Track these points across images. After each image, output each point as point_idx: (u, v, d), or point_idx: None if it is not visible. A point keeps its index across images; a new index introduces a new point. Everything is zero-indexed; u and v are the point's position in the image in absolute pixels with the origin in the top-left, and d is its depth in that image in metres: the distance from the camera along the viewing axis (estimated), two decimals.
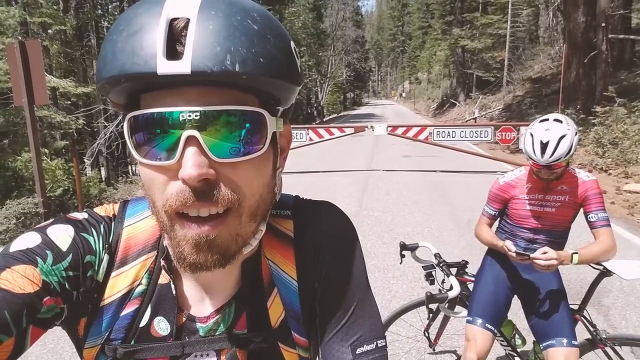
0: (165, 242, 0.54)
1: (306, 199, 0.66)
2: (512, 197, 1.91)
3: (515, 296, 2.00)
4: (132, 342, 0.55)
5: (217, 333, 0.56)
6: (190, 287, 0.57)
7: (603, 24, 10.73)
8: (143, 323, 0.55)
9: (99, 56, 0.46)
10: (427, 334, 2.39)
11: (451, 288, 1.86)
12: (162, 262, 0.55)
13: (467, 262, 2.17)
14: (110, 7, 18.69)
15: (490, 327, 1.87)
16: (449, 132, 9.20)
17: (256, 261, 0.58)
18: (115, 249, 0.55)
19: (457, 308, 2.23)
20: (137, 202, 0.59)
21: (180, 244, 0.46)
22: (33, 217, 5.87)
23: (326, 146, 11.12)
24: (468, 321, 1.94)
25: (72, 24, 13.23)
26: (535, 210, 1.85)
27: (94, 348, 0.54)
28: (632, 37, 12.97)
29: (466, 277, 2.15)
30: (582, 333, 1.88)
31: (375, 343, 0.58)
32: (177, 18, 0.41)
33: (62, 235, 0.51)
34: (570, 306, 1.88)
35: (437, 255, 2.11)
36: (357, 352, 0.57)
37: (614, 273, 1.77)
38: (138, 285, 0.55)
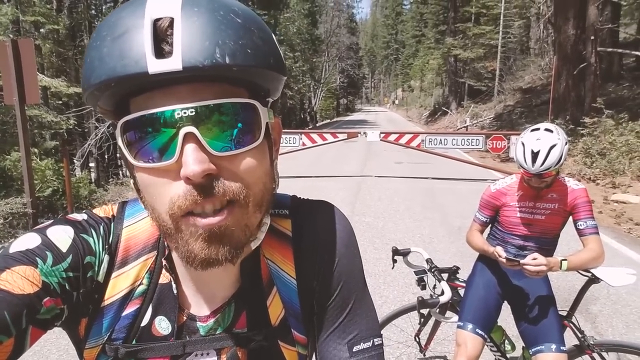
0: (169, 244, 0.53)
1: (303, 198, 0.66)
2: (503, 204, 1.94)
3: (505, 302, 2.02)
4: (134, 342, 0.55)
5: (217, 332, 0.57)
6: (190, 287, 0.57)
7: (592, 37, 10.96)
8: (144, 323, 0.55)
9: (84, 65, 0.45)
10: (417, 339, 2.40)
11: (442, 293, 1.87)
12: (164, 262, 0.55)
13: (458, 268, 2.19)
14: (104, 7, 18.59)
15: (480, 332, 1.89)
16: (441, 140, 9.28)
17: (255, 260, 0.58)
18: (116, 249, 0.55)
19: (448, 313, 2.24)
20: (136, 202, 0.59)
21: (189, 242, 0.46)
22: (21, 217, 5.78)
23: (319, 151, 11.15)
24: (459, 326, 1.95)
25: (65, 24, 13.13)
26: (526, 217, 1.88)
27: (95, 348, 0.54)
28: (619, 50, 13.26)
29: (457, 282, 2.17)
30: (570, 339, 1.91)
31: (371, 341, 0.59)
32: (161, 18, 0.41)
33: (62, 236, 0.51)
34: (559, 312, 1.91)
35: (428, 261, 2.13)
36: (353, 350, 0.57)
37: (602, 280, 1.80)
38: (139, 285, 0.55)
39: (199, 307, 0.57)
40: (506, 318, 2.05)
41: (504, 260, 1.73)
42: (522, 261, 1.68)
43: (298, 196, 0.67)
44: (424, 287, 2.07)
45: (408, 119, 39.46)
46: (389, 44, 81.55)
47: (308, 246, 0.60)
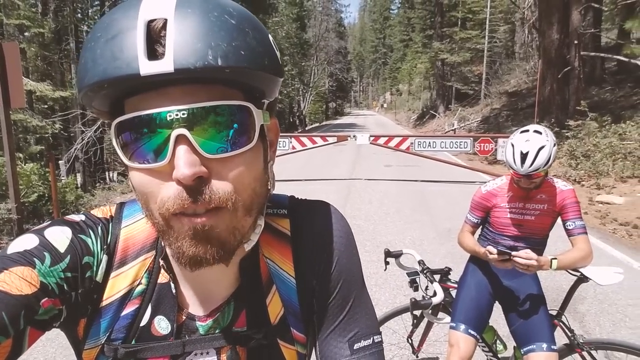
0: (163, 243, 0.54)
1: (301, 198, 0.67)
2: (493, 205, 1.97)
3: (497, 302, 2.05)
4: (133, 342, 0.55)
5: (216, 331, 0.57)
6: (189, 286, 0.57)
7: (575, 42, 11.21)
8: (144, 322, 0.55)
9: (78, 66, 0.45)
10: (410, 341, 2.42)
11: (435, 294, 1.89)
12: (161, 262, 0.55)
13: (450, 269, 2.21)
14: (90, 11, 18.39)
15: (473, 332, 1.91)
16: (429, 143, 9.37)
17: (254, 259, 0.58)
18: (114, 249, 0.55)
19: (440, 314, 2.26)
20: (133, 203, 0.59)
21: (178, 239, 0.46)
22: (5, 223, 5.66)
23: (308, 155, 11.15)
24: (451, 327, 1.97)
25: (51, 27, 12.95)
26: (516, 218, 1.91)
27: (94, 349, 0.54)
28: (602, 54, 13.57)
29: (449, 283, 2.19)
30: (560, 338, 1.94)
31: (371, 338, 0.60)
32: (155, 19, 0.41)
33: (59, 237, 0.51)
34: (549, 312, 1.93)
35: (420, 262, 2.14)
36: (354, 348, 0.58)
37: (590, 279, 1.84)
38: (138, 285, 0.55)
39: (198, 307, 0.57)
40: (497, 318, 2.08)
41: (496, 257, 1.74)
42: (513, 253, 1.70)
43: (296, 196, 0.67)
44: (416, 289, 2.09)
45: (397, 122, 39.73)
46: (377, 48, 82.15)
47: (307, 245, 0.61)
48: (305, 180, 9.44)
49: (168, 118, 0.42)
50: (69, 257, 0.50)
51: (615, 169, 8.15)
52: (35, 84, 10.60)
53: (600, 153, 8.75)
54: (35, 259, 0.48)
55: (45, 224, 0.54)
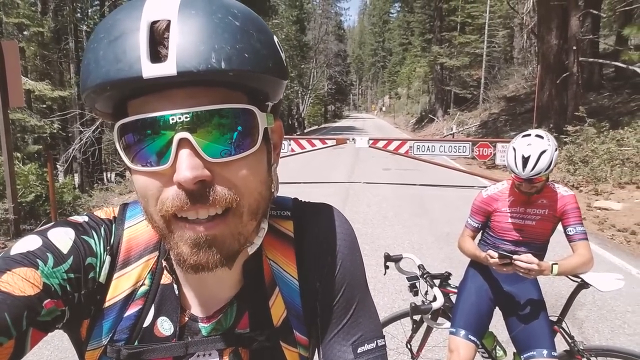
0: (166, 246, 0.54)
1: (305, 201, 0.67)
2: (494, 210, 1.96)
3: (496, 308, 2.04)
4: (136, 343, 0.54)
5: (219, 332, 0.57)
6: (192, 288, 0.57)
7: (574, 48, 11.25)
8: (147, 323, 0.55)
9: (81, 67, 0.45)
10: (409, 346, 2.40)
11: (435, 299, 1.88)
12: (164, 263, 0.55)
13: (450, 274, 2.20)
14: (90, 10, 18.40)
15: (473, 338, 1.90)
16: (428, 147, 9.39)
17: (257, 261, 0.58)
18: (117, 250, 0.55)
19: (440, 319, 2.25)
20: (137, 204, 0.59)
21: (179, 246, 0.46)
22: (2, 223, 5.63)
23: (307, 158, 11.17)
24: (451, 332, 1.96)
25: (50, 26, 12.94)
26: (517, 223, 1.91)
27: (97, 350, 0.54)
28: (600, 60, 13.63)
29: (449, 288, 2.18)
30: (560, 344, 1.93)
31: (375, 342, 0.59)
32: (158, 21, 0.41)
33: (62, 238, 0.51)
34: (550, 318, 1.93)
35: (420, 267, 2.14)
36: (358, 352, 0.58)
37: (591, 285, 1.83)
38: (141, 285, 0.55)
39: (201, 308, 0.57)
40: (496, 324, 2.07)
41: (497, 261, 1.73)
42: (514, 257, 1.69)
43: (299, 199, 0.67)
44: (416, 293, 2.08)
45: (395, 126, 39.82)
46: (376, 52, 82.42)
47: (310, 247, 0.60)
48: (304, 183, 9.43)
49: (171, 121, 0.42)
50: (72, 258, 0.50)
51: (613, 174, 8.17)
52: (34, 83, 10.58)
53: (598, 159, 8.77)
54: (38, 260, 0.47)
55: (48, 225, 0.54)
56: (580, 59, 11.58)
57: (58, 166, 12.18)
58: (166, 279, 0.56)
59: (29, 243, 0.49)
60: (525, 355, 1.82)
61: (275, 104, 0.52)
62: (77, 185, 11.54)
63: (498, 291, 2.00)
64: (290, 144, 9.74)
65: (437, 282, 2.11)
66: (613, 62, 12.45)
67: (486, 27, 23.47)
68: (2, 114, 5.07)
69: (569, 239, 1.84)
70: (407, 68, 45.95)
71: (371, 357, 0.58)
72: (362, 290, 0.62)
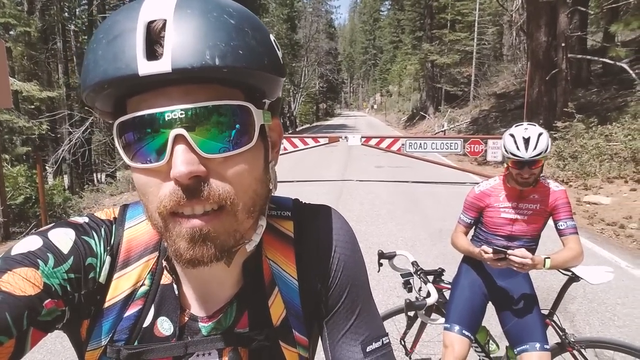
0: (164, 243, 0.54)
1: (305, 202, 0.67)
2: (487, 205, 1.98)
3: (489, 303, 2.06)
4: (136, 343, 0.55)
5: (219, 332, 0.57)
6: (192, 287, 0.57)
7: (563, 44, 11.36)
8: (146, 323, 0.55)
9: (82, 67, 0.46)
10: (403, 342, 2.42)
11: (428, 295, 1.89)
12: (164, 263, 0.55)
13: (443, 270, 2.22)
14: (78, 10, 18.15)
15: (467, 333, 1.92)
16: (420, 144, 9.43)
17: (257, 260, 0.59)
18: (117, 251, 0.55)
19: (434, 315, 2.27)
20: (137, 205, 0.60)
21: (176, 242, 0.46)
22: None
23: (299, 156, 11.15)
24: (446, 328, 1.98)
25: (37, 26, 12.75)
26: (509, 218, 1.93)
27: (97, 350, 0.54)
28: (588, 57, 13.78)
29: (442, 284, 2.20)
30: (551, 337, 1.96)
31: (381, 340, 0.61)
32: (155, 20, 0.42)
33: (63, 238, 0.52)
34: (541, 311, 1.95)
35: (414, 264, 2.15)
36: (367, 350, 0.59)
37: (581, 278, 1.86)
38: (141, 286, 0.55)
39: (200, 308, 0.57)
40: (489, 319, 2.09)
41: (491, 256, 1.75)
42: (509, 252, 1.71)
43: (300, 200, 0.67)
44: (410, 290, 2.10)
45: (387, 124, 39.92)
46: (367, 50, 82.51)
47: (310, 248, 0.61)
48: (297, 181, 9.42)
49: (167, 118, 0.42)
50: (72, 258, 0.50)
51: (602, 169, 8.28)
52: (21, 84, 10.42)
53: (587, 154, 8.89)
54: (38, 260, 0.48)
55: (49, 225, 0.54)
56: (569, 55, 11.69)
57: (47, 167, 12.03)
58: (166, 279, 0.56)
59: (30, 243, 0.50)
60: (518, 349, 1.85)
61: (273, 102, 0.52)
62: (67, 187, 11.41)
63: (491, 286, 2.02)
64: (282, 143, 9.70)
65: (430, 278, 2.13)
66: (601, 59, 12.60)
67: (476, 25, 23.60)
68: None
69: (560, 233, 1.87)
70: (398, 66, 46.07)
71: (379, 355, 0.59)
72: (365, 290, 0.63)
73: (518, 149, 1.80)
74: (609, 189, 7.63)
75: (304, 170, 11.16)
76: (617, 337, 2.63)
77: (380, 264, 2.16)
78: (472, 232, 2.13)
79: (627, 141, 8.45)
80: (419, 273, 2.09)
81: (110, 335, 0.54)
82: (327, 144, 9.98)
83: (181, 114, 0.42)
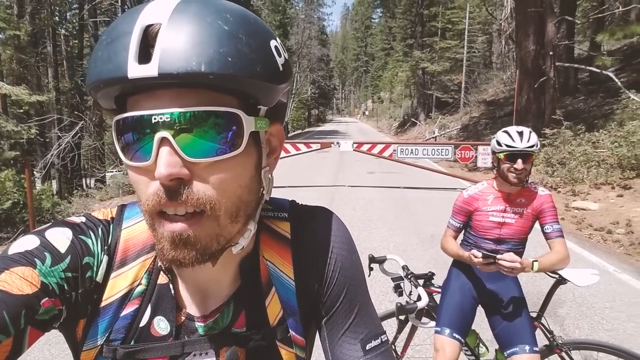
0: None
1: (302, 204, 0.68)
2: (475, 209, 2.01)
3: (479, 306, 2.08)
4: (132, 342, 0.55)
5: (216, 332, 0.57)
6: (189, 287, 0.58)
7: (551, 53, 11.57)
8: (143, 323, 0.55)
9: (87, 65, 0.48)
10: (394, 347, 2.42)
11: (419, 299, 1.91)
12: (160, 263, 0.56)
13: (433, 274, 2.24)
14: (68, 14, 18.04)
15: (457, 336, 1.93)
16: (412, 150, 9.50)
17: (254, 261, 0.59)
18: (114, 250, 0.56)
19: (424, 319, 2.28)
20: (134, 205, 0.60)
21: (161, 241, 0.47)
22: None
23: (291, 162, 11.14)
24: (436, 331, 1.99)
25: (27, 30, 12.63)
26: (497, 221, 1.96)
27: (93, 350, 0.54)
28: (575, 65, 14.04)
29: (433, 288, 2.21)
30: (540, 339, 1.98)
31: (380, 338, 0.62)
32: (152, 24, 0.43)
33: (60, 237, 0.52)
34: (530, 314, 1.98)
35: (404, 268, 2.16)
36: (367, 348, 0.60)
37: (568, 281, 1.89)
38: (138, 285, 0.56)
39: (197, 307, 0.57)
40: (479, 322, 2.11)
41: (481, 260, 1.78)
42: (498, 257, 1.74)
43: (297, 201, 0.68)
44: (400, 294, 2.11)
45: (378, 130, 40.13)
46: (359, 56, 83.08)
47: (307, 249, 0.62)
48: (289, 187, 9.42)
49: (153, 120, 0.43)
50: (69, 257, 0.51)
51: (589, 176, 8.41)
52: (10, 88, 10.30)
53: (575, 160, 9.02)
54: (36, 259, 0.48)
55: (45, 225, 0.55)
56: (557, 64, 11.91)
57: (35, 172, 11.86)
58: (163, 278, 0.57)
59: (27, 242, 0.50)
60: (508, 352, 1.87)
61: (274, 107, 0.52)
62: (55, 192, 11.27)
63: (481, 289, 2.04)
64: None
65: (421, 282, 2.15)
66: (588, 67, 12.84)
67: (466, 33, 23.96)
68: None
69: (546, 236, 1.90)
70: (390, 72, 46.46)
71: (378, 352, 0.61)
72: (363, 290, 0.64)
73: (513, 140, 1.87)
74: (597, 194, 7.74)
75: (296, 176, 11.15)
76: (612, 341, 2.66)
77: (370, 269, 2.17)
78: (461, 236, 2.15)
79: (613, 148, 8.60)
80: (409, 277, 2.11)
81: (106, 335, 0.54)
82: (319, 149, 10.01)
83: (167, 117, 0.43)
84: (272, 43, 0.49)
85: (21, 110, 12.58)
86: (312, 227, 0.63)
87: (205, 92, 0.44)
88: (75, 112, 13.75)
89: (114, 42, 0.43)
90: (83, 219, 0.57)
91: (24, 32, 12.31)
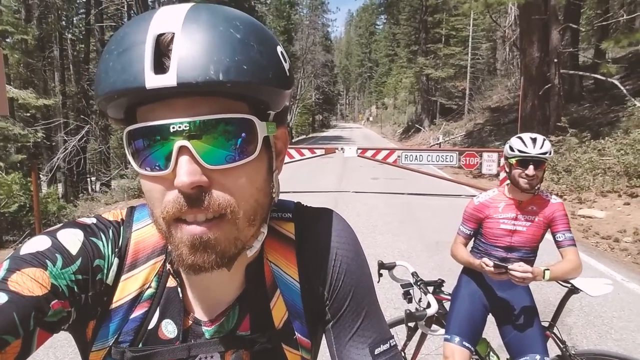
0: (169, 248, 0.55)
1: (307, 205, 0.68)
2: (486, 216, 2.00)
3: (489, 314, 2.06)
4: (140, 345, 0.55)
5: (221, 335, 0.57)
6: (196, 291, 0.58)
7: (555, 60, 11.57)
8: (151, 326, 0.56)
9: (95, 76, 0.48)
10: (404, 354, 2.40)
11: (429, 306, 1.89)
12: (168, 266, 0.56)
13: (443, 281, 2.22)
14: (75, 18, 18.22)
15: (467, 344, 1.91)
16: (416, 156, 9.48)
17: (259, 264, 0.59)
18: (125, 253, 0.56)
19: (434, 327, 2.26)
20: (144, 207, 0.60)
21: (179, 247, 0.47)
22: None
23: (295, 167, 11.17)
24: (446, 339, 1.97)
25: (35, 34, 12.76)
26: (508, 229, 1.94)
27: (102, 351, 0.54)
28: (580, 73, 14.03)
29: (442, 295, 2.19)
30: (552, 349, 1.96)
31: (388, 343, 0.61)
32: (164, 33, 0.43)
33: (71, 239, 0.52)
34: (541, 323, 1.95)
35: (414, 274, 2.15)
36: (375, 353, 0.59)
37: (581, 290, 1.87)
38: (148, 288, 0.56)
39: (204, 311, 0.58)
40: (488, 331, 2.09)
41: (492, 269, 1.76)
42: (509, 266, 1.72)
43: (302, 203, 0.68)
44: (410, 301, 2.09)
45: (382, 136, 40.15)
46: (363, 62, 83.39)
47: (312, 250, 0.61)
48: (293, 192, 9.42)
49: (171, 129, 0.44)
50: (80, 259, 0.51)
51: (595, 183, 8.36)
52: (17, 92, 10.39)
53: (580, 168, 8.98)
54: (47, 260, 0.48)
55: (57, 226, 0.55)
56: (561, 71, 11.91)
57: (42, 176, 11.93)
58: (171, 282, 0.57)
59: (39, 243, 0.50)
60: None
61: (280, 111, 0.53)
62: (61, 195, 11.31)
63: (491, 298, 2.02)
64: None
65: (430, 289, 2.13)
66: (592, 75, 12.83)
67: (470, 40, 24.00)
68: None
69: (558, 245, 1.88)
70: (394, 79, 46.57)
71: (387, 357, 0.60)
72: (370, 293, 0.63)
73: (526, 145, 1.86)
74: (603, 202, 7.69)
75: (300, 181, 11.15)
76: (622, 352, 2.63)
77: (380, 275, 2.16)
78: (471, 243, 2.14)
79: (619, 156, 8.56)
80: (419, 284, 2.09)
81: (115, 337, 0.54)
82: (323, 155, 10.01)
83: (186, 126, 0.43)
84: (279, 49, 0.50)
85: (28, 114, 12.68)
86: (316, 229, 0.63)
87: (219, 100, 0.45)
88: (81, 116, 13.85)
89: (126, 52, 0.43)
90: (94, 220, 0.57)
91: (32, 37, 12.45)
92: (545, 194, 1.96)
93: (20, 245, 0.51)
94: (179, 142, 0.43)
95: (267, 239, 0.59)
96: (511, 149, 1.91)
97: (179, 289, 0.56)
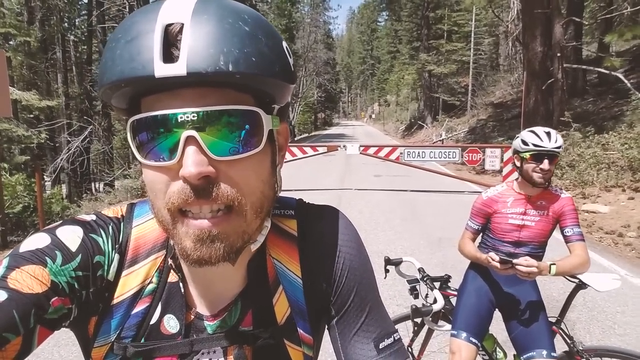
0: (171, 241, 0.55)
1: (309, 202, 0.68)
2: (494, 211, 1.99)
3: (496, 310, 2.05)
4: (142, 340, 0.55)
5: (224, 330, 0.57)
6: (198, 286, 0.58)
7: (558, 54, 11.49)
8: (153, 321, 0.56)
9: (99, 64, 0.47)
10: (410, 349, 2.40)
11: (435, 301, 1.89)
12: (170, 261, 0.56)
13: (449, 277, 2.22)
14: (77, 20, 18.26)
15: (474, 340, 1.91)
16: (419, 153, 9.47)
17: (261, 259, 0.59)
18: (125, 248, 0.56)
19: (440, 322, 2.26)
20: (144, 203, 0.60)
21: (183, 240, 0.47)
22: None
23: (298, 164, 11.16)
24: (452, 335, 1.97)
25: (37, 36, 12.80)
26: (517, 224, 1.93)
27: (104, 347, 0.54)
28: (583, 67, 13.93)
29: (449, 291, 2.19)
30: (559, 345, 1.95)
31: (392, 337, 0.61)
32: (172, 24, 0.43)
33: (71, 236, 0.52)
34: (549, 319, 1.95)
35: (420, 270, 2.15)
36: (380, 347, 0.60)
37: (589, 285, 1.86)
38: (149, 283, 0.56)
39: (206, 306, 0.58)
40: (495, 326, 2.08)
41: (498, 264, 1.75)
42: (514, 261, 1.72)
43: (304, 199, 0.68)
44: (416, 296, 2.09)
45: (385, 133, 40.08)
46: (365, 60, 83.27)
47: (314, 247, 0.62)
48: (296, 190, 9.42)
49: (179, 119, 0.44)
50: (80, 256, 0.51)
51: (599, 178, 8.32)
52: (20, 93, 10.43)
53: (584, 163, 8.93)
54: (46, 257, 0.48)
55: (56, 223, 0.55)
56: (565, 65, 11.82)
57: (45, 176, 11.98)
58: (173, 277, 0.57)
59: (38, 241, 0.50)
60: (525, 356, 1.84)
61: (281, 107, 0.53)
62: (65, 196, 11.37)
63: (498, 293, 2.01)
64: None
65: (437, 284, 2.13)
66: (596, 69, 12.72)
67: (472, 35, 23.90)
68: None
69: (566, 239, 1.87)
70: (396, 75, 46.44)
71: (392, 351, 0.60)
72: (373, 289, 0.64)
73: (541, 140, 1.84)
74: (607, 197, 7.66)
75: (303, 179, 11.15)
76: (625, 347, 2.62)
77: (386, 270, 2.16)
78: (479, 238, 2.13)
79: (623, 150, 8.51)
80: (425, 279, 2.09)
81: (117, 332, 0.54)
82: (325, 152, 10.01)
83: (193, 116, 0.43)
84: (284, 44, 0.50)
85: (31, 115, 12.75)
86: (319, 225, 0.63)
87: (226, 91, 0.45)
88: (85, 117, 13.89)
89: (134, 40, 0.43)
90: (93, 217, 0.57)
91: (34, 39, 12.50)
92: (554, 188, 1.95)
93: (20, 242, 0.52)
94: (187, 132, 0.43)
95: (270, 236, 0.59)
96: (525, 143, 1.88)
97: (181, 284, 0.56)
